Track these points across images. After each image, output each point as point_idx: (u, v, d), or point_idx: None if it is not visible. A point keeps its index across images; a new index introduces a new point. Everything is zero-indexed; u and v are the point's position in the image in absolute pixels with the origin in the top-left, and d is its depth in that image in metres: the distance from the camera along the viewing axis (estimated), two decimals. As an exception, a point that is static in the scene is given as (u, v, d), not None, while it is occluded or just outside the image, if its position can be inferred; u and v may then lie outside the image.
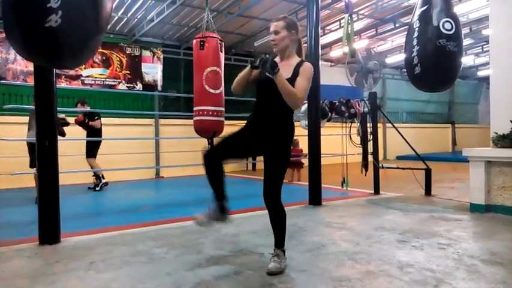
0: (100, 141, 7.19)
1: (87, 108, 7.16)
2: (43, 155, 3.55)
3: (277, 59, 2.79)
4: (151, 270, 2.77)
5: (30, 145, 5.55)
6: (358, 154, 6.60)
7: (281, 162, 2.73)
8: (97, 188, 7.10)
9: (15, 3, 2.12)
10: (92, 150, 7.08)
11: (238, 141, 2.80)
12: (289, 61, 2.74)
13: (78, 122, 7.00)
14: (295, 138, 9.50)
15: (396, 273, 2.62)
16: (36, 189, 5.41)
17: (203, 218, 2.82)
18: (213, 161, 2.72)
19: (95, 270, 2.80)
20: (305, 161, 6.46)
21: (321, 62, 5.42)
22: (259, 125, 2.75)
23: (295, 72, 2.65)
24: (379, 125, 6.99)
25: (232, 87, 2.89)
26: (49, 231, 3.53)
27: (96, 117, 7.10)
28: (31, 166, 5.54)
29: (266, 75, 2.61)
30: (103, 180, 7.23)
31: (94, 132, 7.06)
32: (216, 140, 2.81)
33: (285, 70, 2.63)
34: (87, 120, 6.99)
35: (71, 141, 6.47)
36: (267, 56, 2.58)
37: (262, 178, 2.77)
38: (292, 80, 2.62)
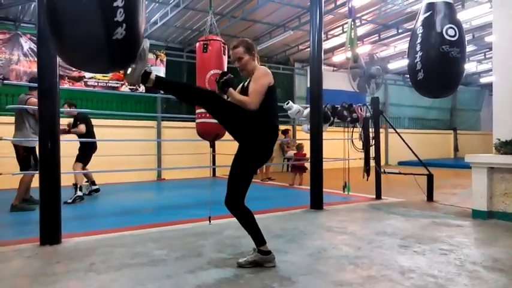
0: (95, 148, 6.53)
1: (74, 112, 6.43)
2: (45, 156, 3.55)
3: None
4: (151, 273, 2.76)
5: (20, 148, 5.27)
6: (360, 159, 6.59)
7: (241, 165, 2.80)
8: (69, 201, 5.89)
9: (80, 16, 2.24)
10: (83, 155, 6.36)
11: (223, 104, 2.88)
12: (253, 75, 2.91)
13: (62, 133, 5.73)
14: (299, 142, 9.54)
15: (398, 278, 2.61)
16: (17, 193, 5.32)
17: (144, 56, 2.68)
18: (204, 98, 2.86)
19: (95, 271, 2.79)
20: (308, 165, 6.46)
21: (323, 67, 5.43)
22: (240, 120, 2.85)
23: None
24: (381, 130, 6.98)
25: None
26: (50, 231, 3.53)
27: (78, 122, 6.28)
28: (24, 169, 5.26)
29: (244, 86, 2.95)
30: (79, 193, 6.11)
31: (85, 136, 6.27)
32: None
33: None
34: (67, 129, 6.26)
35: (72, 143, 6.38)
36: (224, 76, 2.84)
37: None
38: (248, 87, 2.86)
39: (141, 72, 2.57)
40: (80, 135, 6.29)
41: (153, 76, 2.62)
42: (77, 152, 6.39)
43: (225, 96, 2.89)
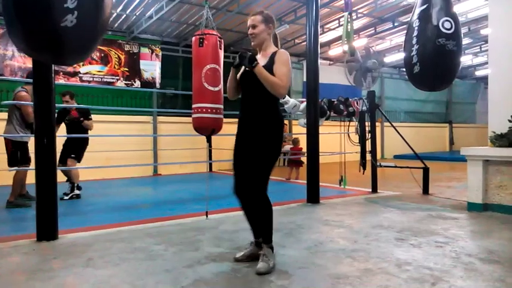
0: (87, 143, 6.22)
1: (74, 104, 6.15)
2: (41, 152, 3.54)
3: (258, 56, 2.85)
4: (149, 267, 2.77)
5: (8, 142, 5.19)
6: (356, 153, 6.61)
7: (266, 153, 2.69)
8: (66, 198, 5.83)
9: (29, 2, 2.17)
10: (78, 151, 6.08)
11: (239, 157, 2.80)
12: (266, 52, 2.83)
13: (71, 119, 5.91)
14: (295, 136, 9.54)
15: (394, 271, 2.63)
16: (12, 190, 5.24)
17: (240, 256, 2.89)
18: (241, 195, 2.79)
19: (93, 266, 2.80)
20: (304, 160, 6.47)
21: (319, 61, 5.43)
22: (245, 121, 2.77)
23: (271, 60, 2.73)
24: (377, 124, 7.00)
25: (228, 96, 2.98)
26: (47, 227, 3.52)
27: (90, 117, 6.11)
28: (11, 165, 5.16)
29: (246, 69, 2.75)
30: (76, 192, 6.01)
31: (82, 132, 6.03)
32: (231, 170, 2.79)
33: (262, 61, 2.75)
34: (82, 119, 5.96)
35: (63, 138, 6.23)
36: (246, 51, 2.68)
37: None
38: (268, 67, 2.69)
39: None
40: (76, 130, 6.00)
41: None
42: (68, 149, 6.03)
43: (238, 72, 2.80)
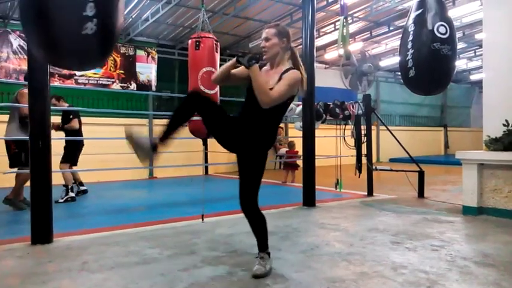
0: (82, 145, 6.28)
1: (65, 105, 6.16)
2: (36, 155, 3.52)
3: (267, 67, 2.76)
4: (144, 271, 2.76)
5: (11, 142, 5.12)
6: (352, 156, 6.62)
7: (256, 169, 2.69)
8: (61, 200, 5.79)
9: (50, 10, 2.22)
10: (71, 154, 6.10)
11: (223, 117, 2.69)
12: (278, 69, 2.66)
13: (55, 129, 5.77)
14: (291, 140, 9.54)
15: (390, 274, 2.63)
16: (13, 188, 5.20)
17: (137, 138, 2.71)
18: (194, 102, 2.62)
19: (88, 270, 2.78)
20: (300, 163, 6.48)
21: (315, 64, 5.44)
22: (242, 125, 2.69)
23: (280, 77, 2.57)
24: (373, 127, 7.02)
25: (212, 77, 2.89)
26: (41, 230, 3.50)
27: (71, 116, 6.01)
28: (14, 166, 5.13)
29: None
30: (71, 194, 5.97)
31: (73, 134, 6.03)
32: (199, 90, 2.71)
33: (272, 79, 2.59)
34: (61, 125, 6.01)
35: (62, 141, 6.24)
36: (243, 54, 2.57)
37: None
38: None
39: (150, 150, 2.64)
40: (68, 133, 6.06)
41: (157, 142, 2.65)
42: (63, 151, 6.08)
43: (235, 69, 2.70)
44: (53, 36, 2.28)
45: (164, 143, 2.64)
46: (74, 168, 6.28)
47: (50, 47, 2.35)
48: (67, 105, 6.32)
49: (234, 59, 2.62)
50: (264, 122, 2.63)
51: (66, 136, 6.08)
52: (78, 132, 6.17)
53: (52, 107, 5.66)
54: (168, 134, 2.68)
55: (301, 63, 2.74)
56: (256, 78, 2.49)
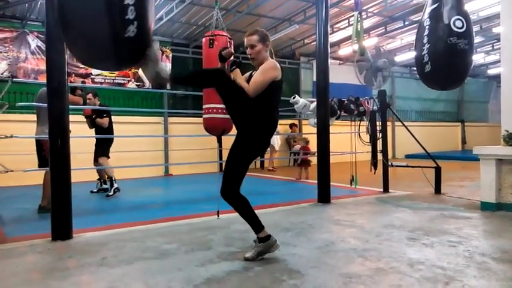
0: (112, 140, 6.58)
1: (98, 102, 6.52)
2: (55, 153, 3.60)
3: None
4: (162, 266, 2.80)
5: (45, 142, 4.74)
6: (367, 152, 6.58)
7: (238, 155, 2.85)
8: (110, 194, 6.20)
9: (94, 16, 2.30)
10: (103, 149, 6.42)
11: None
12: (262, 65, 2.95)
13: (85, 115, 6.37)
14: (305, 136, 9.53)
15: (406, 270, 2.62)
16: (44, 194, 4.99)
17: (158, 59, 2.87)
18: (219, 78, 2.88)
19: (107, 265, 2.84)
20: (313, 159, 6.47)
21: (329, 60, 5.42)
22: (242, 111, 2.91)
23: None
24: (388, 123, 6.96)
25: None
26: (61, 227, 3.58)
27: (105, 115, 6.39)
28: (41, 166, 5.01)
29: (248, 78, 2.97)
30: (115, 185, 6.29)
31: (102, 131, 6.37)
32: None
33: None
34: (94, 116, 6.33)
35: (81, 139, 6.38)
36: (235, 59, 2.96)
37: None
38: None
39: (156, 71, 2.63)
40: (97, 130, 6.38)
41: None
42: (94, 148, 6.46)
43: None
44: (99, 40, 2.34)
45: (172, 80, 2.94)
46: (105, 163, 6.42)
47: (95, 51, 2.41)
48: (99, 103, 6.57)
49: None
50: (254, 112, 2.85)
51: (96, 133, 6.43)
52: (108, 130, 6.45)
53: (91, 106, 6.23)
54: (181, 79, 3.14)
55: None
56: (237, 81, 2.85)
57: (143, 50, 2.51)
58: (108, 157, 6.51)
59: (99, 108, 6.44)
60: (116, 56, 2.43)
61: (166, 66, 2.78)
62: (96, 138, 6.48)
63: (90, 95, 6.42)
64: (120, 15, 2.26)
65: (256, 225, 2.88)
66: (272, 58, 3.04)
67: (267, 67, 2.86)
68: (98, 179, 6.82)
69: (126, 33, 2.29)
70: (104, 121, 6.33)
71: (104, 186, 6.73)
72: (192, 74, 3.13)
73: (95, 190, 6.73)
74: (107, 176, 6.40)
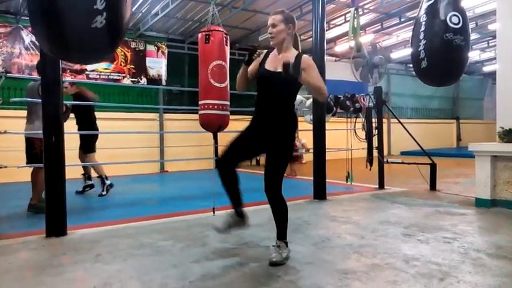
0: (96, 135, 6.10)
1: (76, 90, 5.95)
2: (49, 150, 3.57)
3: (274, 52, 2.86)
4: (157, 262, 2.79)
5: (37, 140, 4.65)
6: (363, 149, 6.58)
7: (283, 156, 2.76)
8: (103, 193, 5.95)
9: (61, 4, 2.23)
10: (89, 144, 5.99)
11: (244, 143, 2.84)
12: (287, 54, 2.76)
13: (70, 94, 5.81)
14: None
15: (402, 266, 2.63)
16: (35, 191, 4.79)
17: (222, 225, 2.89)
18: (226, 168, 2.79)
19: (101, 261, 2.82)
20: (308, 156, 6.46)
21: (325, 57, 5.40)
22: (261, 120, 2.78)
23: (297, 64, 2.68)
24: (384, 120, 6.96)
25: (236, 87, 3.00)
26: (55, 223, 3.55)
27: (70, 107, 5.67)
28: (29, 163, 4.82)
29: (265, 69, 2.76)
30: (107, 182, 6.03)
31: (89, 124, 5.92)
32: (223, 148, 2.84)
33: (280, 64, 2.67)
34: (70, 109, 5.64)
35: (74, 135, 6.21)
36: (253, 48, 2.72)
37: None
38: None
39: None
40: (83, 126, 5.90)
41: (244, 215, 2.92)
42: (80, 142, 6.00)
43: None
44: (63, 29, 2.28)
45: (239, 205, 2.86)
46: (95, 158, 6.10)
47: (60, 41, 2.35)
48: (78, 90, 6.04)
49: (244, 66, 2.87)
50: (283, 107, 2.75)
51: (81, 129, 5.95)
52: (92, 121, 6.05)
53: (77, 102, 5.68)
54: (234, 199, 2.88)
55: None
56: (313, 83, 2.63)
57: (112, 42, 2.45)
58: (95, 151, 6.08)
59: (81, 103, 5.86)
60: (83, 48, 2.35)
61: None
62: (82, 134, 5.96)
63: (66, 84, 5.72)
64: (88, 5, 2.20)
65: (285, 231, 2.80)
66: (298, 45, 2.89)
67: (314, 63, 2.70)
68: (83, 174, 6.26)
69: (93, 23, 2.22)
70: (70, 90, 5.79)
71: (89, 182, 6.26)
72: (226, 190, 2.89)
73: (80, 190, 6.10)
74: (97, 176, 6.03)
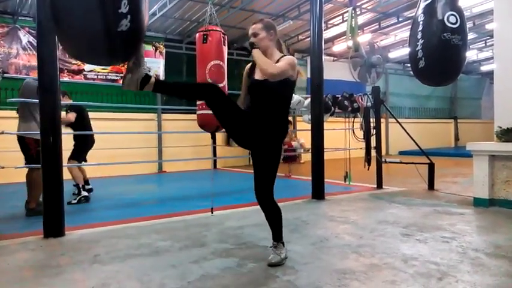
0: (92, 142, 5.99)
1: (69, 101, 5.88)
2: (47, 150, 3.55)
3: None
4: (156, 263, 2.78)
5: (31, 141, 4.70)
6: (361, 149, 6.59)
7: (269, 162, 2.74)
8: (73, 201, 5.47)
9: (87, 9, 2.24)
10: (79, 152, 5.83)
11: (237, 112, 2.74)
12: (272, 59, 2.78)
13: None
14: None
15: (400, 266, 2.63)
16: (32, 195, 4.71)
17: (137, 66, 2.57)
18: (209, 92, 2.66)
19: (100, 262, 2.81)
20: (308, 156, 6.45)
21: (323, 57, 5.40)
22: (254, 121, 2.73)
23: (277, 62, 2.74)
24: (382, 120, 6.97)
25: (239, 102, 2.91)
26: (53, 224, 3.55)
27: (69, 111, 5.67)
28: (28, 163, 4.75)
29: (254, 79, 2.78)
30: (84, 193, 5.65)
31: (82, 130, 5.73)
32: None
33: None
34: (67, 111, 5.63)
35: (67, 136, 5.96)
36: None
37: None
38: None
39: (140, 79, 2.48)
40: (74, 128, 5.75)
41: (152, 81, 2.52)
42: (72, 148, 5.81)
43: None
44: (91, 34, 2.29)
45: (153, 87, 2.55)
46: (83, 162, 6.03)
47: (87, 45, 2.36)
48: (71, 101, 6.02)
49: (245, 78, 2.91)
50: (273, 113, 2.72)
51: (75, 137, 5.83)
52: (86, 128, 5.87)
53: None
54: (164, 87, 2.78)
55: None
56: (259, 56, 2.67)
57: (136, 45, 2.47)
58: (84, 160, 5.97)
59: (66, 103, 5.73)
60: (108, 51, 2.38)
61: (149, 70, 2.54)
62: (75, 139, 5.83)
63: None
64: (113, 8, 2.22)
65: (280, 233, 2.79)
66: (284, 52, 2.90)
67: (290, 61, 2.71)
68: (75, 185, 5.87)
69: (119, 27, 2.25)
70: (68, 117, 5.62)
71: (87, 187, 6.01)
72: (179, 84, 2.87)
73: (75, 202, 5.55)
74: (74, 184, 5.76)
